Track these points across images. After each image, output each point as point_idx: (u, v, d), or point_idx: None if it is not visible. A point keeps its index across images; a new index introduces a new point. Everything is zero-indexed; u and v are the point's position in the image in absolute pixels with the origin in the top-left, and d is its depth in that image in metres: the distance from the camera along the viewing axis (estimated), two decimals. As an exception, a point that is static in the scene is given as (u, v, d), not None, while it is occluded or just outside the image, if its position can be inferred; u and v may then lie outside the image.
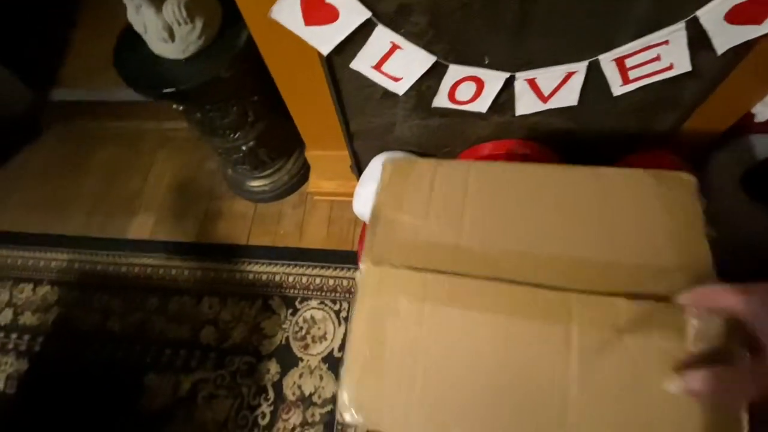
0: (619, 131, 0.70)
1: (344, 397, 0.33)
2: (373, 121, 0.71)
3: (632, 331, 0.30)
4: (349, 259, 0.96)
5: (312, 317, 0.91)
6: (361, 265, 0.37)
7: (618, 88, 0.58)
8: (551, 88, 0.59)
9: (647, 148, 0.72)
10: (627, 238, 0.35)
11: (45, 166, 1.23)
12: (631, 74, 0.56)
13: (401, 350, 0.33)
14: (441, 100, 0.62)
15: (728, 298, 0.27)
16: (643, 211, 0.36)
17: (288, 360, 0.87)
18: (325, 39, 0.53)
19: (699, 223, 0.35)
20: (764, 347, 0.25)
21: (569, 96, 0.60)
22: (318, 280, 0.95)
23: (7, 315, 1.02)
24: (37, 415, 0.90)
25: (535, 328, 0.32)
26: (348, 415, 0.33)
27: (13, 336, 0.99)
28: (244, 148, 0.89)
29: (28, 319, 1.00)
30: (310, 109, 0.72)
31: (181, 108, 0.79)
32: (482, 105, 0.62)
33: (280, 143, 0.98)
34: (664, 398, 0.28)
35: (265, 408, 0.84)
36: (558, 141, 0.71)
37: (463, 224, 0.38)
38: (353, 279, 0.94)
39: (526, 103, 0.62)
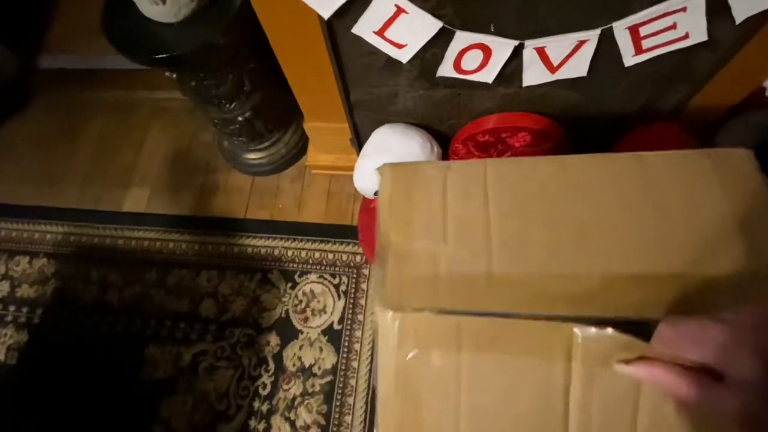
0: (628, 104, 0.68)
1: None
2: (374, 92, 0.69)
3: None
4: (348, 233, 0.95)
5: (311, 291, 0.91)
6: (377, 311, 0.31)
7: (630, 59, 0.56)
8: (561, 57, 0.57)
9: (654, 121, 0.70)
10: (688, 236, 0.29)
11: (35, 137, 1.19)
12: (645, 43, 0.54)
13: (440, 408, 0.29)
14: (446, 69, 0.60)
15: (689, 349, 0.26)
16: (701, 199, 0.30)
17: (288, 332, 0.88)
18: (325, 1, 0.51)
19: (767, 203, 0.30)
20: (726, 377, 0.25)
21: (579, 66, 0.58)
22: (317, 255, 0.94)
23: (5, 287, 1.01)
24: (38, 386, 0.91)
25: (591, 373, 0.28)
26: None
27: (12, 308, 0.99)
28: (240, 118, 0.87)
29: (25, 291, 1.00)
30: (309, 77, 0.69)
31: (174, 76, 0.76)
32: (489, 75, 0.60)
33: (277, 114, 0.95)
34: None
35: (266, 378, 0.85)
36: (564, 114, 0.69)
37: (491, 244, 0.31)
38: (353, 254, 0.93)
39: (533, 74, 0.60)
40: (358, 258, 0.93)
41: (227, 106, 0.83)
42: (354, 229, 0.94)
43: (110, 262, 1.00)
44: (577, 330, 0.28)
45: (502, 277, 0.30)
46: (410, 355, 0.30)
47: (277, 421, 0.82)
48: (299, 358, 0.86)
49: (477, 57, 0.58)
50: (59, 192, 1.10)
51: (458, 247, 0.32)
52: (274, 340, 0.88)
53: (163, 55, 0.65)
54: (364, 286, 0.90)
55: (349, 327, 0.87)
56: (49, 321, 0.96)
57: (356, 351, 0.85)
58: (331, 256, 0.94)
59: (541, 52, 0.56)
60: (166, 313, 0.93)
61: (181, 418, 0.84)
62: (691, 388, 0.25)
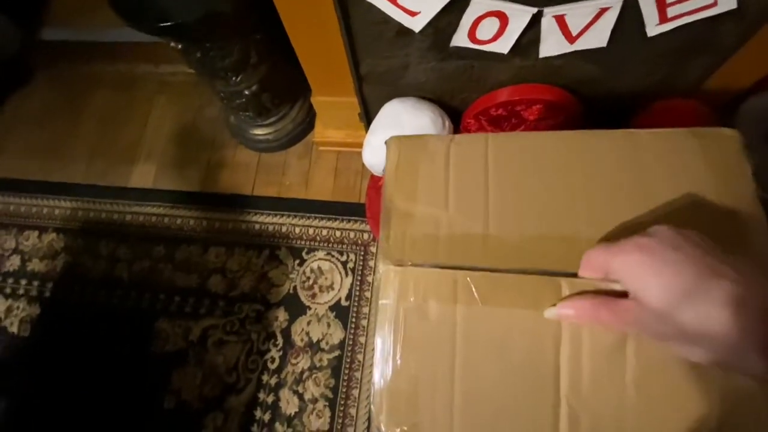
0: (646, 78, 0.66)
1: (378, 409, 0.31)
2: (384, 63, 0.67)
3: None
4: (355, 211, 0.95)
5: (319, 268, 0.91)
6: (380, 266, 0.33)
7: (653, 28, 0.54)
8: (580, 26, 0.55)
9: (672, 96, 0.68)
10: (671, 209, 0.32)
11: (40, 111, 1.18)
12: (670, 12, 0.52)
13: (434, 356, 0.31)
14: (460, 39, 0.58)
15: (599, 262, 0.29)
16: (686, 177, 0.32)
17: (296, 308, 0.88)
18: (337, -36, 0.49)
19: (750, 186, 0.31)
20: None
21: (599, 36, 0.56)
22: (325, 232, 0.94)
23: (15, 261, 1.02)
24: (51, 358, 0.93)
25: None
26: (384, 426, 0.31)
27: (23, 282, 1.00)
28: (246, 92, 0.85)
29: (36, 265, 1.01)
30: (318, 48, 0.67)
31: (179, 46, 0.74)
32: (504, 45, 0.58)
33: (284, 88, 0.93)
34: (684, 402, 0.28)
35: (275, 353, 0.86)
36: (581, 87, 0.67)
37: (488, 210, 0.34)
38: (360, 231, 0.93)
39: (551, 44, 0.58)
40: (366, 236, 0.92)
41: (233, 79, 0.81)
42: (361, 206, 0.94)
43: (118, 237, 1.00)
44: (564, 282, 0.30)
45: (497, 239, 0.33)
46: (407, 305, 0.32)
47: (285, 394, 0.83)
48: (307, 334, 0.86)
49: (493, 26, 0.55)
50: (66, 167, 1.10)
51: (458, 213, 0.34)
52: (282, 315, 0.88)
53: (169, 24, 0.63)
54: (371, 263, 0.90)
55: (356, 304, 0.87)
56: (60, 294, 0.98)
57: (363, 327, 0.86)
58: (338, 233, 0.94)
59: (560, 20, 0.54)
60: (175, 288, 0.94)
61: (192, 389, 0.86)
62: (602, 312, 0.28)
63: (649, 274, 0.26)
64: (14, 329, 0.96)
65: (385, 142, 0.39)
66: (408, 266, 0.32)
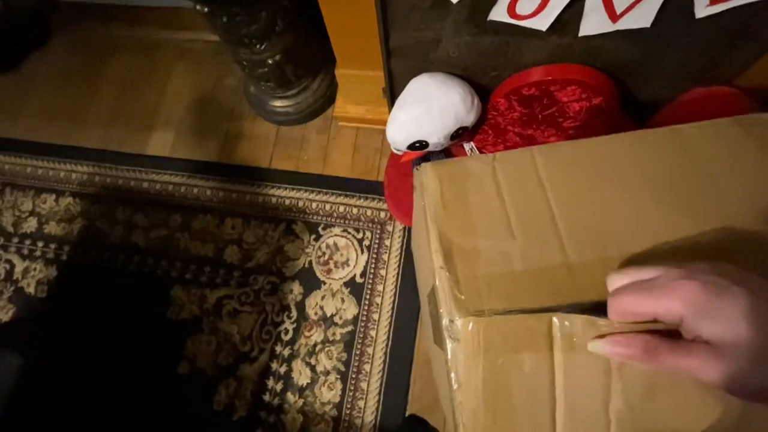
0: (687, 63, 0.64)
1: None
2: (416, 36, 0.65)
3: None
4: (373, 189, 0.94)
5: (335, 244, 0.91)
6: (456, 320, 0.28)
7: (703, 9, 0.52)
8: (626, 4, 0.53)
9: (712, 84, 0.66)
10: (736, 203, 0.30)
11: (58, 74, 1.17)
12: (723, -9, 0.50)
13: (534, 407, 0.27)
14: (499, 13, 0.56)
15: (645, 306, 0.24)
16: (742, 165, 0.32)
17: (311, 282, 0.89)
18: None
19: None
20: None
21: (644, 16, 0.54)
22: (342, 208, 0.94)
23: (32, 223, 1.03)
24: (67, 320, 0.94)
25: None
26: None
27: (40, 244, 1.01)
28: (270, 61, 0.83)
29: (53, 228, 1.02)
30: (348, 18, 0.65)
31: (206, 10, 0.72)
32: (544, 21, 0.56)
33: (307, 60, 0.91)
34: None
35: (288, 325, 0.87)
36: (617, 71, 0.65)
37: (560, 233, 0.31)
38: (377, 209, 0.93)
39: (593, 22, 0.56)
40: (383, 214, 0.92)
41: (258, 46, 0.80)
42: (379, 184, 0.93)
43: (135, 203, 1.00)
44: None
45: (582, 267, 0.29)
46: (495, 361, 0.28)
47: (298, 365, 0.84)
48: (321, 308, 0.87)
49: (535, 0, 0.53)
50: (83, 131, 1.09)
51: (528, 242, 0.31)
52: (297, 288, 0.89)
53: (197, -16, 0.61)
54: (387, 242, 0.90)
55: (371, 281, 0.88)
56: (77, 258, 0.99)
57: (377, 304, 0.86)
58: (355, 210, 0.93)
59: (605, -4, 0.52)
60: (191, 256, 0.94)
61: (206, 356, 0.87)
62: (660, 354, 0.24)
63: (735, 314, 0.22)
64: (31, 290, 0.98)
65: (417, 169, 0.36)
66: (489, 315, 0.28)
